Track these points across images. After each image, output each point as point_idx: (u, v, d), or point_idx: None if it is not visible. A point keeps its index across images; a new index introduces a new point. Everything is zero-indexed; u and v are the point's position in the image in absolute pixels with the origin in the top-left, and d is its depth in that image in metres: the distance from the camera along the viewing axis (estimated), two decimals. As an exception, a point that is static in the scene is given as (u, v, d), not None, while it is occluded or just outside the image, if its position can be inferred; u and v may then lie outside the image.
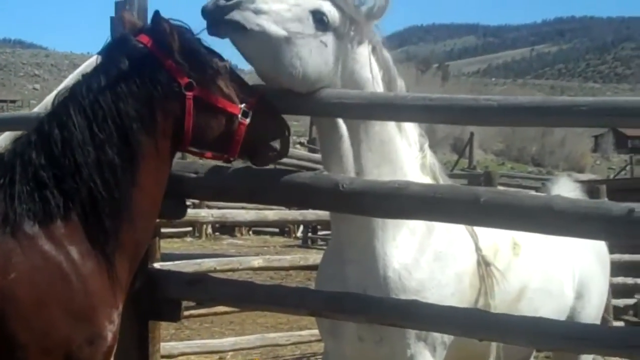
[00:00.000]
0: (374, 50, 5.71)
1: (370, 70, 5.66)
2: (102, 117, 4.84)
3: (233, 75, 5.26)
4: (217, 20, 5.17)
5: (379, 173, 5.58)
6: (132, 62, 4.95)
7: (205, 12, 5.17)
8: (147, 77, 4.93)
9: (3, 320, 4.65)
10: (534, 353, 7.59)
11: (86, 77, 5.08)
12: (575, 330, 5.41)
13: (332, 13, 5.42)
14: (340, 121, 5.59)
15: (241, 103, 5.18)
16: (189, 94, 4.98)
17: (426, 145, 5.98)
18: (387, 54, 5.82)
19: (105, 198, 4.84)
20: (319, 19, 5.37)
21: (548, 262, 6.52)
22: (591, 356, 7.28)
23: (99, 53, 5.16)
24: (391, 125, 5.71)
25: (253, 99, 5.25)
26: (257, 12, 5.19)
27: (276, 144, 5.42)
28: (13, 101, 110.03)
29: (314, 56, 5.36)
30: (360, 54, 5.63)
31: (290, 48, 5.26)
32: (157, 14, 5.02)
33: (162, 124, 5.00)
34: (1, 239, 4.73)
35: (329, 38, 5.42)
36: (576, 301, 6.86)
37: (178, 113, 5.01)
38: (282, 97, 5.44)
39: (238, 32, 5.20)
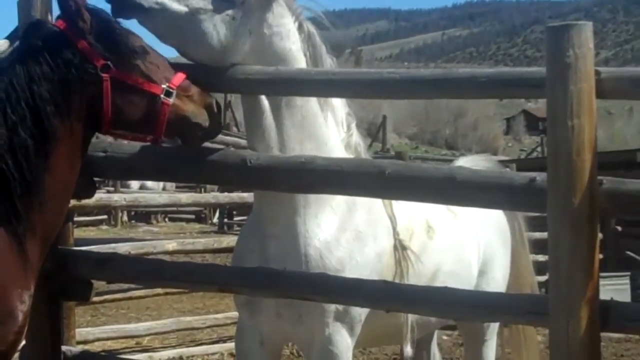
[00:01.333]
0: (300, 26, 5.70)
1: (292, 43, 5.64)
2: (16, 99, 4.79)
3: (153, 55, 5.15)
4: (119, 3, 5.17)
5: (301, 149, 5.58)
6: (46, 45, 4.90)
7: None
8: (61, 60, 4.87)
9: None
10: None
11: (0, 61, 5.06)
12: (478, 299, 5.49)
13: None
14: (263, 97, 5.59)
15: (164, 83, 5.08)
16: (105, 75, 4.91)
17: (353, 125, 6.02)
18: (312, 30, 5.80)
19: (16, 180, 4.77)
20: None
21: (459, 244, 6.62)
22: (496, 327, 7.37)
23: (7, 37, 5.13)
24: (314, 101, 5.72)
25: (177, 78, 5.15)
26: None
27: (205, 123, 5.26)
28: None
29: (220, 30, 5.33)
30: (281, 25, 5.59)
31: (194, 24, 5.25)
32: None
33: (77, 106, 4.93)
34: None
35: (237, 12, 5.37)
36: (479, 278, 6.95)
37: (95, 95, 4.94)
38: (199, 75, 5.38)
39: (142, 13, 5.19)
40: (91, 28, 4.94)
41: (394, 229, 5.93)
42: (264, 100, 5.60)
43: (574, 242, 4.43)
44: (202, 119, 5.24)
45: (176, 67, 5.29)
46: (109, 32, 5.00)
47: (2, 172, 4.79)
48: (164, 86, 5.05)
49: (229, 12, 5.37)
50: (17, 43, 5.09)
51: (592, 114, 4.44)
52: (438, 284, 6.12)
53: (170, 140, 5.44)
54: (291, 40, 5.65)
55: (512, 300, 5.40)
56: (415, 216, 6.08)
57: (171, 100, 5.05)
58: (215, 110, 5.33)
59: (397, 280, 5.83)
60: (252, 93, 5.62)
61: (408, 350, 6.21)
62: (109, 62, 4.93)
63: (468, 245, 6.75)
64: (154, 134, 5.18)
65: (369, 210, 5.83)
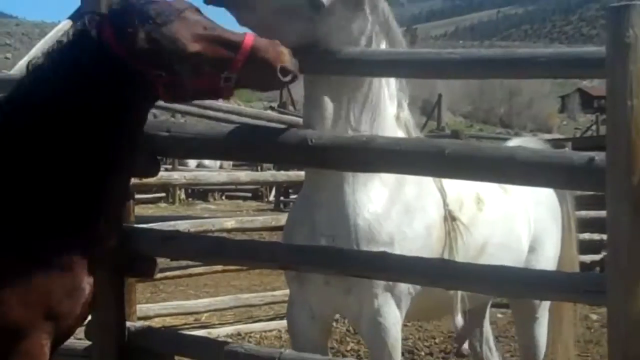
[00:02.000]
0: (374, 9, 5.71)
1: (372, 28, 5.69)
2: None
3: (212, 40, 4.79)
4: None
5: (361, 127, 5.65)
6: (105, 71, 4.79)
7: None
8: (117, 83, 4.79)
9: None
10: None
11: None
12: (534, 277, 5.49)
13: None
14: (328, 78, 5.67)
15: (224, 71, 4.80)
16: (158, 80, 4.79)
17: (403, 101, 6.04)
18: (387, 11, 5.85)
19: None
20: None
21: (508, 217, 6.61)
22: (547, 304, 7.38)
23: (70, 18, 5.09)
24: (375, 80, 5.75)
25: (240, 58, 4.81)
26: None
27: (287, 77, 4.93)
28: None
29: (322, 23, 5.42)
30: (362, 15, 5.64)
31: (288, 18, 5.34)
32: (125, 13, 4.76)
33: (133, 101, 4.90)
34: None
35: (331, 5, 5.39)
36: (530, 254, 6.95)
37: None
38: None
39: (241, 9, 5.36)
40: (131, 42, 4.71)
41: (444, 200, 5.94)
42: (327, 79, 5.66)
43: (634, 221, 4.42)
44: (271, 81, 4.99)
45: (239, 41, 4.85)
46: (156, 40, 4.70)
47: (69, 157, 4.87)
48: (223, 75, 4.83)
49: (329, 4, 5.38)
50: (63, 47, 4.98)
51: (654, 93, 4.44)
52: (487, 255, 6.17)
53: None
54: (369, 25, 5.70)
55: (569, 279, 5.41)
56: (465, 189, 6.09)
57: (232, 84, 4.90)
58: (288, 67, 4.91)
59: (446, 252, 5.88)
60: (323, 73, 5.66)
61: (459, 319, 6.27)
62: (161, 73, 4.76)
63: (518, 219, 6.75)
64: (223, 98, 5.31)
65: (418, 184, 5.84)
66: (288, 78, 4.94)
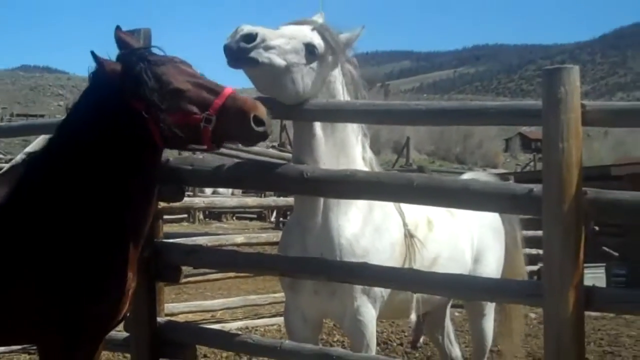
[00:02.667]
0: (343, 68, 5.81)
1: (340, 84, 5.77)
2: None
3: (196, 84, 4.70)
4: (238, 58, 5.23)
5: (337, 163, 5.67)
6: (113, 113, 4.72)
7: (228, 50, 5.21)
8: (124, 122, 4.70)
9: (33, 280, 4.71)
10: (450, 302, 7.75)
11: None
12: (487, 283, 5.61)
13: (320, 45, 5.52)
14: (316, 123, 5.67)
15: (204, 110, 4.62)
16: (148, 117, 4.62)
17: (367, 143, 6.08)
18: (354, 72, 5.91)
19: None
20: (311, 50, 5.47)
21: (454, 236, 6.65)
22: (493, 304, 7.43)
23: (91, 77, 4.93)
24: (349, 126, 5.82)
25: (219, 102, 4.65)
26: (267, 48, 5.27)
27: (260, 128, 4.67)
28: (42, 115, 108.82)
29: (305, 79, 5.47)
30: (334, 71, 5.74)
31: (288, 75, 5.35)
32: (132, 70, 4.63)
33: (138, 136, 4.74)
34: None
35: (315, 64, 5.51)
36: (474, 265, 6.97)
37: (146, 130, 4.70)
38: (273, 107, 5.16)
39: (254, 66, 5.28)
40: (127, 78, 4.62)
41: (404, 222, 6.02)
42: (317, 125, 5.68)
43: (564, 240, 4.49)
44: (247, 130, 4.71)
45: (219, 90, 4.73)
46: (144, 83, 4.60)
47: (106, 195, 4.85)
48: (204, 115, 4.63)
49: (313, 65, 5.50)
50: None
51: (579, 138, 4.50)
52: (439, 266, 6.20)
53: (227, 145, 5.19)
54: (339, 81, 5.78)
55: (515, 285, 5.47)
56: (418, 213, 6.15)
57: (211, 127, 4.65)
58: (263, 115, 4.73)
59: (406, 263, 5.94)
60: (310, 120, 5.67)
61: (413, 317, 6.32)
62: (148, 108, 4.60)
63: (461, 238, 6.77)
64: (204, 147, 4.83)
65: (382, 208, 5.92)
66: (261, 129, 4.70)
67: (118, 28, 5.01)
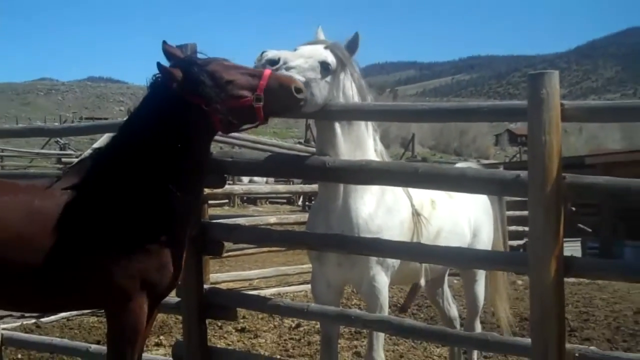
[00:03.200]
0: (352, 76, 5.78)
1: (351, 90, 5.74)
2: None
3: (238, 77, 4.81)
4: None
5: (354, 155, 5.67)
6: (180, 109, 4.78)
7: None
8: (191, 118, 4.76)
9: (101, 255, 4.74)
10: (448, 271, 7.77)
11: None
12: (480, 254, 5.67)
13: (333, 61, 5.55)
14: (335, 122, 5.69)
15: (253, 92, 4.78)
16: (207, 109, 4.71)
17: (377, 137, 6.08)
18: (361, 80, 5.88)
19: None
20: (325, 67, 5.49)
21: (454, 214, 6.67)
22: (484, 271, 7.46)
23: (151, 84, 4.98)
24: (363, 124, 5.83)
25: (263, 82, 4.80)
26: (288, 68, 5.29)
27: (301, 95, 4.93)
28: (106, 118, 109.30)
29: (322, 91, 5.48)
30: (346, 80, 5.72)
31: (307, 89, 5.30)
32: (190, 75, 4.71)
33: (195, 128, 4.82)
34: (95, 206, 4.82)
35: (329, 78, 5.53)
36: (472, 239, 7.01)
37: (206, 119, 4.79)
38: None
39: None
40: (185, 80, 4.68)
41: (411, 203, 6.04)
42: (336, 123, 5.70)
43: (546, 217, 4.48)
44: (291, 99, 4.92)
45: (258, 72, 4.90)
46: (202, 82, 4.69)
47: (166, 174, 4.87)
48: (253, 95, 4.78)
49: (327, 78, 5.52)
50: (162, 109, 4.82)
51: (559, 132, 4.49)
52: (441, 239, 6.26)
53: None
54: (350, 87, 5.76)
55: (504, 256, 5.57)
56: (423, 195, 6.19)
57: (261, 104, 4.80)
58: (300, 87, 4.96)
59: (414, 237, 5.96)
60: (331, 119, 5.68)
61: (422, 282, 6.45)
62: (208, 102, 4.69)
63: (460, 215, 6.81)
64: (260, 122, 4.97)
65: (393, 191, 5.94)
66: (302, 95, 4.94)
67: (165, 42, 5.05)
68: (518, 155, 66.02)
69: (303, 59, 5.44)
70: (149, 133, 4.80)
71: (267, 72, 4.90)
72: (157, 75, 4.81)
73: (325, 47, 5.62)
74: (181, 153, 4.80)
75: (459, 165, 7.81)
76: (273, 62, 5.25)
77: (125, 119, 5.47)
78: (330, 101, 5.55)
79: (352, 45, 5.78)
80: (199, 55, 4.96)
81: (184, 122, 4.77)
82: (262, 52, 5.30)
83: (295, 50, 5.56)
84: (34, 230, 4.71)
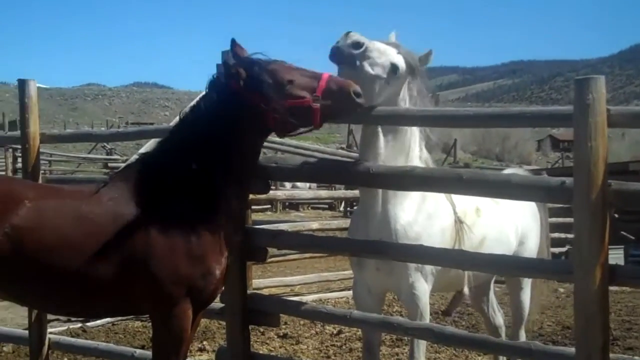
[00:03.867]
0: (416, 86, 5.85)
1: (411, 99, 5.80)
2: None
3: (298, 77, 4.88)
4: (343, 59, 5.33)
5: (396, 161, 5.66)
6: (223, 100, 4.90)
7: (337, 51, 5.33)
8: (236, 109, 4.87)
9: (148, 261, 4.76)
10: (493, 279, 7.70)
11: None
12: (523, 262, 5.55)
13: (402, 67, 5.58)
14: (379, 127, 5.69)
15: (312, 93, 4.83)
16: (266, 108, 4.80)
17: (423, 144, 6.08)
18: (421, 86, 5.91)
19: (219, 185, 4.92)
20: (394, 70, 5.52)
21: (499, 221, 6.60)
22: (530, 279, 7.39)
23: (207, 87, 5.04)
24: (408, 129, 5.82)
25: (322, 84, 4.86)
26: (365, 57, 5.38)
27: (360, 99, 4.93)
28: (151, 123, 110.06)
29: (381, 90, 5.51)
30: (410, 89, 5.80)
31: (371, 84, 5.39)
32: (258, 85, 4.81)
33: (252, 129, 4.93)
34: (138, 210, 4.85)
35: (393, 81, 5.56)
36: (519, 247, 6.95)
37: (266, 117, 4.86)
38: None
39: (353, 69, 5.34)
40: (248, 78, 4.79)
41: (454, 210, 6.00)
42: (379, 128, 5.69)
43: (592, 225, 4.41)
44: (350, 102, 4.92)
45: (318, 75, 4.96)
46: (264, 81, 4.79)
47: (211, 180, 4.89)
48: (312, 97, 4.83)
49: (392, 81, 5.54)
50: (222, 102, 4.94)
51: (605, 138, 4.43)
52: (486, 247, 6.18)
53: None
54: (403, 95, 5.78)
55: (549, 264, 5.50)
56: (467, 202, 6.11)
57: (319, 105, 4.85)
58: (358, 91, 4.94)
59: (457, 245, 5.91)
60: (372, 123, 5.67)
61: (466, 290, 6.40)
62: (267, 101, 4.78)
63: (506, 223, 6.72)
64: (315, 126, 5.01)
65: (435, 199, 5.90)
66: (361, 100, 4.93)
67: (234, 40, 5.05)
68: (560, 161, 65.43)
69: (378, 53, 5.49)
70: (204, 133, 4.85)
71: (326, 75, 4.93)
72: (216, 75, 4.89)
73: (398, 52, 5.64)
74: (235, 155, 4.85)
75: (507, 171, 7.76)
76: (358, 46, 5.34)
77: (177, 121, 5.51)
78: (383, 103, 5.54)
79: (424, 60, 5.82)
80: (260, 57, 4.99)
81: (241, 122, 4.83)
82: (348, 33, 5.36)
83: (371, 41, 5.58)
84: (81, 234, 4.77)
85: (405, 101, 5.77)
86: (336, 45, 5.33)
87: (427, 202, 5.87)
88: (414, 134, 5.91)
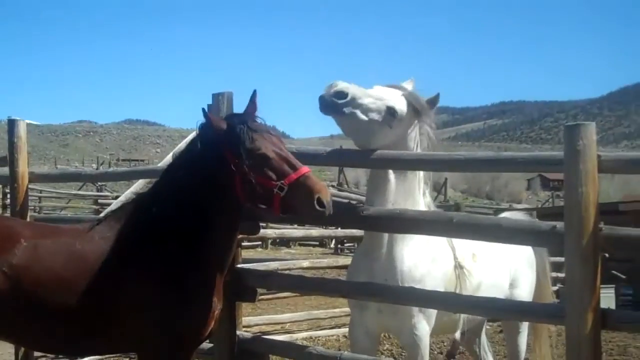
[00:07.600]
0: (420, 128, 5.87)
1: (415, 141, 5.82)
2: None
3: (275, 159, 4.67)
4: (328, 109, 5.35)
5: (405, 205, 5.65)
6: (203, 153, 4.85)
7: (322, 101, 5.34)
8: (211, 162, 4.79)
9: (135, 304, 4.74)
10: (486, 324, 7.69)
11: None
12: (516, 305, 5.57)
13: (402, 110, 5.58)
14: (390, 171, 5.70)
15: (280, 179, 4.59)
16: (235, 172, 4.68)
17: (427, 191, 6.10)
18: (431, 132, 5.94)
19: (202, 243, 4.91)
20: (392, 113, 5.52)
21: (494, 266, 6.60)
22: (526, 327, 7.39)
23: (198, 129, 5.01)
24: (414, 174, 5.83)
25: (294, 176, 4.61)
26: (355, 105, 5.37)
27: (321, 209, 4.57)
28: (142, 160, 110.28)
29: (380, 135, 5.53)
30: (414, 131, 5.81)
31: (366, 128, 5.43)
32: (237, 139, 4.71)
33: (223, 190, 4.80)
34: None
35: (393, 123, 5.55)
36: (511, 289, 6.92)
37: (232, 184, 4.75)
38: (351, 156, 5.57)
39: (340, 115, 5.38)
40: (227, 135, 4.71)
41: (454, 254, 5.99)
42: (391, 173, 5.70)
43: (583, 269, 4.41)
44: (309, 207, 4.60)
45: (298, 166, 4.70)
46: (240, 142, 4.67)
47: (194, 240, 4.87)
48: (279, 183, 4.59)
49: (392, 124, 5.55)
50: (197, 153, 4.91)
51: (595, 183, 4.43)
52: (482, 291, 6.16)
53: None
54: (413, 138, 5.82)
55: (541, 307, 5.48)
56: (464, 247, 6.11)
57: (282, 194, 4.59)
58: (326, 199, 4.61)
59: (457, 289, 5.90)
60: (384, 168, 5.69)
61: (458, 334, 6.56)
62: (237, 162, 4.66)
63: (500, 267, 6.72)
64: (273, 211, 4.74)
65: (437, 242, 5.88)
66: (321, 209, 4.58)
67: (204, 110, 4.93)
68: (550, 200, 65.61)
69: (372, 99, 5.49)
70: (187, 180, 4.82)
71: (305, 169, 4.69)
72: (204, 123, 4.86)
73: (402, 95, 5.66)
74: (225, 199, 4.81)
75: (505, 214, 7.75)
76: (341, 96, 5.33)
77: (164, 163, 5.52)
78: (387, 146, 5.55)
79: (431, 102, 5.83)
80: (258, 120, 4.90)
81: (221, 174, 4.75)
82: (333, 82, 5.36)
83: (371, 88, 5.62)
84: (73, 273, 4.75)
85: (415, 142, 5.80)
86: (321, 95, 5.35)
87: (430, 245, 5.86)
88: (420, 178, 5.94)
